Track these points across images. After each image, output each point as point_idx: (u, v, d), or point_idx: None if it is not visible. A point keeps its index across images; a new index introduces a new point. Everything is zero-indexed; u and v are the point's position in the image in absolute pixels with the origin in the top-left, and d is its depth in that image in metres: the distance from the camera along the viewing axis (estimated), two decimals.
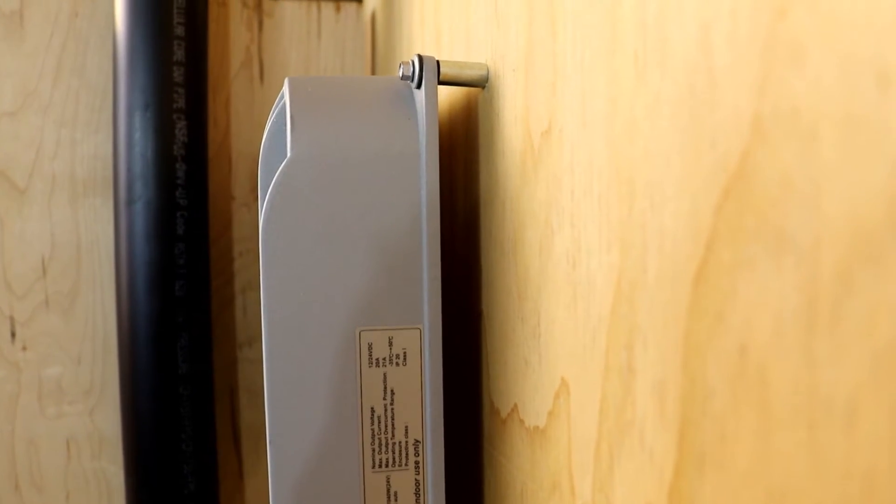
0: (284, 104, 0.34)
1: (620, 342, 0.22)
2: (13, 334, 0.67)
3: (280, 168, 0.32)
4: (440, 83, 0.33)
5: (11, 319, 0.66)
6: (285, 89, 0.34)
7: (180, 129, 0.59)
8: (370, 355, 0.33)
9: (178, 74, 0.59)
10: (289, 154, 0.32)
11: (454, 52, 0.40)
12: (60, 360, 0.67)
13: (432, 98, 0.33)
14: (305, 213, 0.32)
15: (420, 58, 0.33)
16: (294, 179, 0.32)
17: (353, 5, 0.70)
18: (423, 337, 0.33)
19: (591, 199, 0.24)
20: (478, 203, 0.36)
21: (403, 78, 0.33)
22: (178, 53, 0.59)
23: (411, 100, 0.34)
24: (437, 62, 0.33)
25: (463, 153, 0.38)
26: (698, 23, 0.18)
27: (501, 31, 0.32)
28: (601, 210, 0.23)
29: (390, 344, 0.33)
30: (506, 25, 0.31)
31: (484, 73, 0.34)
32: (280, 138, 0.34)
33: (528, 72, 0.29)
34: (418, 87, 0.33)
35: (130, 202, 0.59)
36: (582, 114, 0.24)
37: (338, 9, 0.69)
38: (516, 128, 0.30)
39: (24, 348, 0.67)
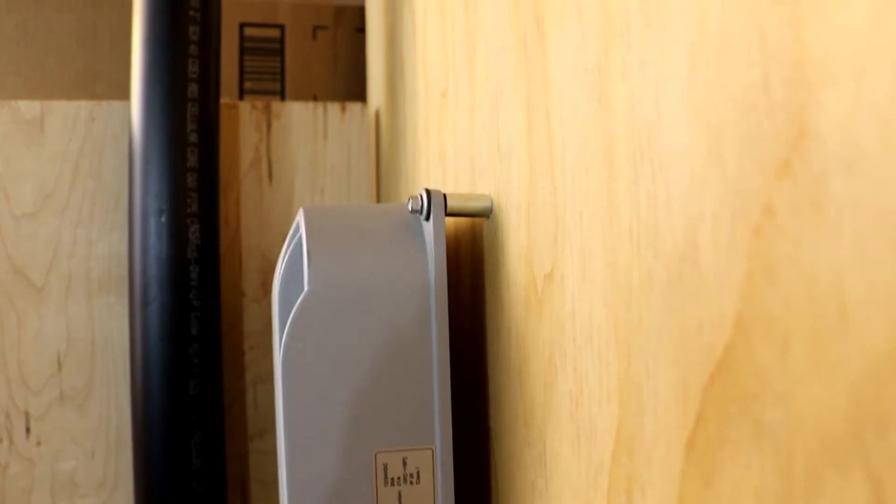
0: (300, 237, 0.36)
1: (620, 486, 0.24)
2: (28, 429, 0.68)
3: (298, 301, 0.34)
4: (447, 215, 0.36)
5: (27, 415, 0.68)
6: (301, 221, 0.36)
7: (193, 233, 0.61)
8: (385, 475, 0.34)
9: (191, 180, 0.62)
10: (306, 287, 0.34)
11: (458, 174, 0.42)
12: (74, 455, 0.68)
13: (440, 230, 0.35)
14: (322, 342, 0.34)
15: (428, 192, 0.35)
16: (311, 311, 0.34)
17: (358, 105, 0.73)
18: (435, 456, 0.35)
19: (592, 350, 0.25)
20: (484, 327, 0.38)
21: (413, 211, 0.36)
22: (192, 160, 0.62)
23: (420, 230, 0.36)
24: (444, 196, 0.35)
25: (469, 277, 0.40)
26: (685, 218, 0.20)
27: (504, 168, 0.34)
28: (601, 362, 0.25)
29: (404, 464, 0.35)
30: (508, 163, 0.34)
31: (488, 204, 0.36)
32: (296, 268, 0.36)
33: (530, 214, 0.31)
34: (426, 219, 0.35)
35: (146, 303, 0.61)
36: (582, 269, 0.26)
37: (343, 109, 0.72)
38: (520, 264, 0.32)
39: (39, 443, 0.68)
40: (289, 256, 0.36)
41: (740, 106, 0.17)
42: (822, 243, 0.15)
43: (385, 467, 0.34)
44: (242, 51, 0.83)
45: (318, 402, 0.34)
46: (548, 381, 0.30)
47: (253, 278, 0.71)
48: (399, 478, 0.35)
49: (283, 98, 0.84)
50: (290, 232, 0.38)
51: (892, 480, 0.13)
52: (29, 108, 0.68)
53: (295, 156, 0.72)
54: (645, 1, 0.22)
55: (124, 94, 0.75)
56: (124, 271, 0.69)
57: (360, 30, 0.86)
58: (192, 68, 0.63)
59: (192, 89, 0.63)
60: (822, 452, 0.15)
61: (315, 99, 0.85)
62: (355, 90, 0.86)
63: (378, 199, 0.72)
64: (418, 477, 0.35)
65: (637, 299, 0.22)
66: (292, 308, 0.34)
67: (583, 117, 0.26)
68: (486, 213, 0.36)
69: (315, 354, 0.34)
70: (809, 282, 0.15)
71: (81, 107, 0.69)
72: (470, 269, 0.40)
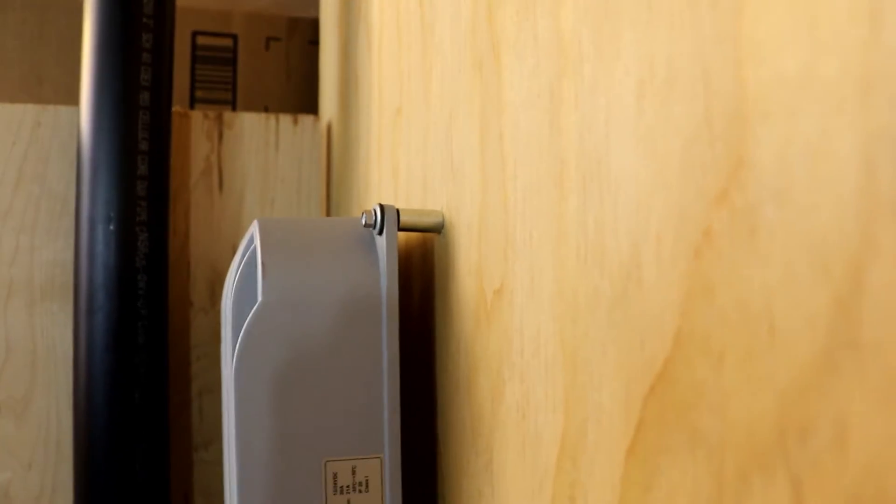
0: (255, 248, 0.36)
1: (565, 493, 0.25)
2: None
3: (252, 312, 0.34)
4: (400, 230, 0.37)
5: None
6: (255, 232, 0.37)
7: (142, 242, 0.61)
8: (335, 483, 0.35)
9: (141, 188, 0.62)
10: (259, 298, 0.35)
11: (410, 190, 0.43)
12: (10, 466, 0.67)
13: (392, 244, 0.36)
14: (275, 353, 0.34)
15: (381, 207, 0.36)
16: (264, 322, 0.34)
17: (310, 118, 0.73)
18: (383, 466, 0.36)
19: (539, 363, 0.27)
20: (433, 339, 0.39)
21: (366, 225, 0.36)
22: (142, 168, 0.62)
23: (372, 244, 0.37)
24: (397, 211, 0.36)
25: (418, 290, 0.41)
26: (630, 239, 0.21)
27: (457, 186, 0.35)
28: (547, 374, 0.26)
29: (353, 473, 0.35)
30: (461, 181, 0.35)
31: (440, 220, 0.37)
32: (251, 280, 0.37)
33: (481, 231, 0.32)
34: (380, 233, 0.36)
35: (92, 312, 0.61)
36: (531, 285, 0.27)
37: (295, 121, 0.73)
38: (470, 279, 0.34)
39: None
40: (243, 267, 0.37)
41: (684, 136, 0.19)
42: (754, 266, 0.16)
43: (335, 476, 0.35)
44: (195, 59, 0.83)
45: (270, 411, 0.34)
46: (495, 392, 0.31)
47: (201, 288, 0.71)
48: (348, 486, 0.35)
49: (234, 108, 0.84)
50: (244, 243, 0.38)
51: (810, 481, 0.15)
52: None
53: (246, 166, 0.72)
54: (597, 32, 0.23)
55: (70, 98, 0.75)
56: (68, 279, 0.68)
57: (314, 42, 0.86)
58: (145, 76, 0.63)
59: (144, 97, 0.63)
60: (751, 457, 0.17)
61: (266, 110, 0.85)
62: (306, 102, 0.86)
63: (328, 211, 0.72)
64: (367, 485, 0.35)
65: (583, 315, 0.24)
66: (245, 319, 0.35)
67: (535, 140, 0.27)
68: (437, 229, 0.38)
69: (267, 364, 0.34)
70: (743, 301, 0.17)
71: (27, 110, 0.68)
72: (420, 282, 0.41)
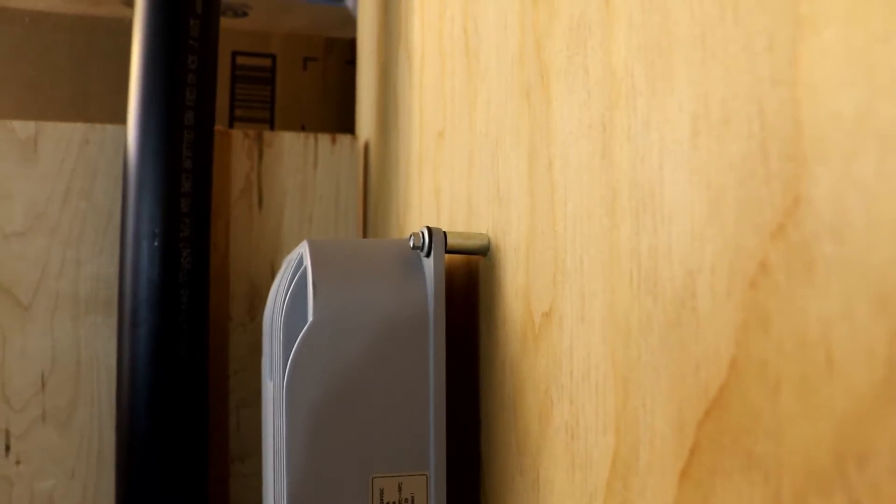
0: (305, 268, 0.38)
1: None
2: (7, 448, 0.68)
3: (303, 330, 0.35)
4: (446, 252, 0.38)
5: (7, 433, 0.68)
6: (305, 253, 0.38)
7: (185, 258, 0.63)
8: (381, 499, 0.36)
9: (184, 205, 0.63)
10: (311, 318, 0.36)
11: (454, 211, 0.44)
12: (54, 474, 0.69)
13: (440, 266, 0.37)
14: (325, 370, 0.35)
15: (429, 230, 0.37)
16: (315, 341, 0.35)
17: (348, 138, 0.75)
18: (429, 482, 0.36)
19: (589, 385, 0.27)
20: (477, 358, 0.40)
21: (414, 247, 0.37)
22: (186, 185, 0.63)
23: (419, 265, 0.38)
24: (445, 234, 0.37)
25: (462, 310, 0.42)
26: (684, 268, 0.22)
27: (503, 210, 0.36)
28: (598, 396, 0.27)
29: (399, 489, 0.36)
30: (507, 206, 0.36)
31: (486, 243, 0.38)
32: (301, 299, 0.38)
33: (529, 255, 0.33)
34: (427, 255, 0.37)
35: (135, 325, 0.62)
36: (581, 309, 0.28)
37: (333, 140, 0.74)
38: (517, 301, 0.34)
39: (18, 462, 0.68)
40: (294, 286, 0.38)
41: (739, 172, 0.20)
42: (811, 298, 0.17)
43: (381, 492, 0.36)
44: (234, 79, 0.85)
45: (319, 428, 0.35)
46: (543, 412, 0.31)
47: (240, 303, 0.72)
48: (395, 502, 0.36)
49: (272, 126, 0.86)
50: (292, 262, 0.39)
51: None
52: (24, 128, 0.69)
53: (285, 184, 0.74)
54: (650, 68, 0.24)
55: (116, 116, 0.77)
56: (112, 293, 0.70)
57: (350, 62, 0.88)
58: (190, 96, 0.65)
59: (189, 117, 0.65)
60: (809, 481, 0.17)
61: (303, 128, 0.87)
62: (342, 121, 0.88)
63: (365, 229, 0.74)
64: (413, 501, 0.36)
65: (636, 339, 0.24)
66: (296, 337, 0.36)
67: (586, 168, 0.28)
68: (483, 252, 0.38)
69: (318, 381, 0.35)
70: (800, 331, 0.18)
71: (76, 129, 0.70)
72: (464, 303, 0.42)
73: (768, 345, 0.19)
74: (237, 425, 0.72)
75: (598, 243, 0.27)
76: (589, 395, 0.27)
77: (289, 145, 0.74)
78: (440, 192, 0.47)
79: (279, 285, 0.42)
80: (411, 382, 0.36)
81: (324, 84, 0.87)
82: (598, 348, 0.27)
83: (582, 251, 0.28)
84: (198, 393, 0.63)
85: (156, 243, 0.62)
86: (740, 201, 0.20)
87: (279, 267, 0.70)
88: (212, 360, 0.71)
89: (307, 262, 0.38)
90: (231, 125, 0.86)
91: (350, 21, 0.92)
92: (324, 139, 0.74)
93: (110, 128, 0.70)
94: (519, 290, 0.34)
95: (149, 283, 0.62)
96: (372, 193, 0.71)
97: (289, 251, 0.74)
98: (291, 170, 0.74)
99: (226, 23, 0.84)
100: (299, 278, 0.38)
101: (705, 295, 0.21)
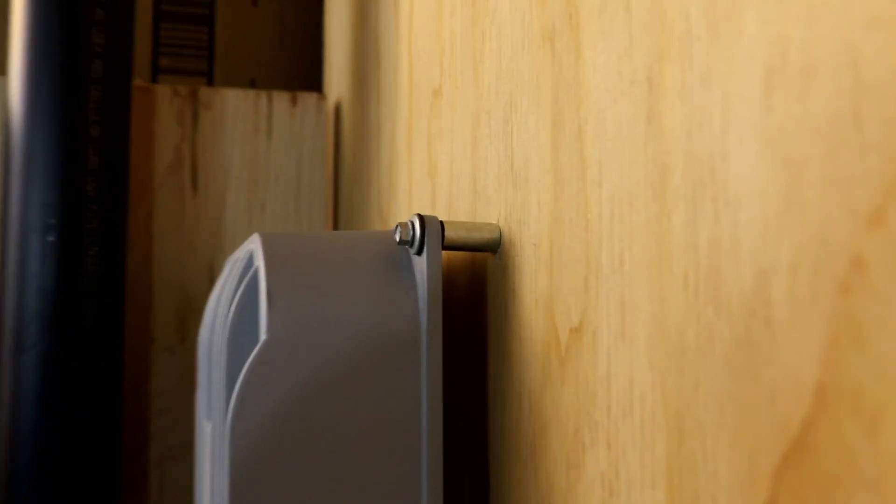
0: (257, 270, 0.38)
1: None
2: None
3: (253, 353, 0.36)
4: (444, 248, 0.38)
5: None
6: (256, 250, 0.39)
7: (91, 259, 0.63)
8: None
9: (90, 188, 0.64)
10: (263, 336, 0.36)
11: (454, 195, 0.45)
12: None
13: (435, 266, 0.38)
14: (282, 406, 0.36)
15: (421, 219, 0.38)
16: (270, 367, 0.36)
17: (313, 96, 0.76)
18: None
19: (632, 423, 0.28)
20: (485, 389, 0.40)
21: (401, 242, 0.38)
22: (93, 160, 0.64)
23: (409, 266, 0.39)
24: (441, 224, 0.38)
25: (465, 327, 0.43)
26: (756, 268, 0.23)
27: (519, 193, 0.37)
28: (644, 438, 0.28)
29: None
30: (524, 188, 0.37)
31: (496, 236, 0.39)
32: (251, 311, 0.39)
33: (552, 252, 0.34)
34: (418, 253, 0.38)
35: (19, 351, 0.62)
36: (621, 323, 0.29)
37: (293, 101, 0.75)
38: (537, 313, 0.35)
39: None
40: (240, 295, 0.39)
41: (826, 141, 0.20)
42: None
43: None
44: (158, 17, 0.86)
45: (273, 484, 0.36)
46: (572, 461, 0.32)
47: (166, 320, 0.73)
48: None
49: (210, 81, 0.87)
50: (238, 263, 0.40)
51: None
52: None
53: (228, 159, 0.74)
54: (711, 5, 0.25)
55: None
56: None
57: None
58: (97, 39, 0.65)
59: (96, 67, 0.65)
60: None
61: (253, 84, 0.87)
62: (305, 75, 0.89)
63: (336, 219, 0.74)
64: None
65: (692, 362, 0.25)
66: (244, 361, 0.37)
67: (627, 138, 0.29)
68: (492, 248, 0.39)
69: (273, 421, 0.36)
70: None
71: None
72: (467, 315, 0.43)
73: (864, 367, 0.19)
74: (160, 484, 0.73)
75: (642, 236, 0.28)
76: (632, 438, 0.28)
77: (233, 107, 0.75)
78: (436, 170, 0.48)
79: (221, 295, 0.43)
80: (397, 420, 0.37)
81: (281, 25, 0.88)
82: (644, 375, 0.28)
83: (622, 246, 0.29)
84: (106, 444, 0.63)
85: (50, 239, 0.63)
86: (827, 179, 0.20)
87: (221, 270, 0.70)
88: (127, 397, 0.72)
89: (259, 262, 0.38)
90: (154, 79, 0.87)
91: None
92: (280, 98, 0.75)
93: None
94: (540, 299, 0.35)
95: (40, 292, 0.63)
96: (345, 172, 0.72)
97: (234, 249, 0.74)
98: (237, 140, 0.75)
99: None
100: (248, 284, 0.39)
101: (782, 302, 0.22)
